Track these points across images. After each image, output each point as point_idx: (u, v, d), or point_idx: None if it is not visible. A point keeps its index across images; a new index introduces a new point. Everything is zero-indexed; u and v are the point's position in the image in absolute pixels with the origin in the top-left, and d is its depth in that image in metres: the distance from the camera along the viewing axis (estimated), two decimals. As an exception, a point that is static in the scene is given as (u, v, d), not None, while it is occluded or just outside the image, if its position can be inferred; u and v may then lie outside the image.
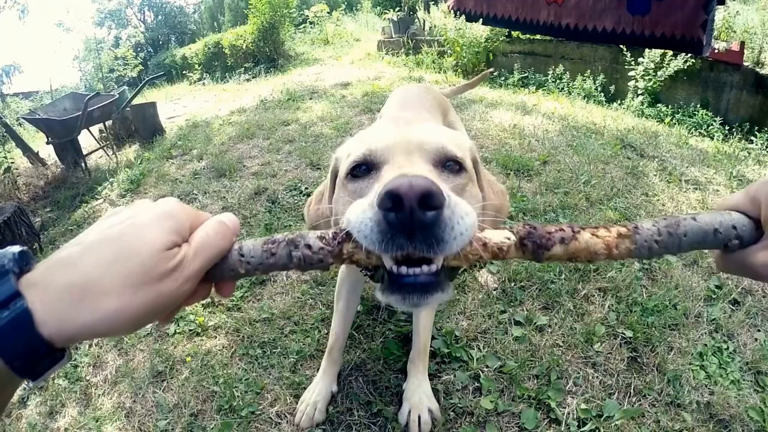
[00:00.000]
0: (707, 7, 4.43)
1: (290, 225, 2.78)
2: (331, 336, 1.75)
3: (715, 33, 5.65)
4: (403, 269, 0.71)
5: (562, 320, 1.98)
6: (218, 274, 0.62)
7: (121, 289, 0.50)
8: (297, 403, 1.73)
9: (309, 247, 0.64)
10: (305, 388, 1.77)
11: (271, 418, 1.70)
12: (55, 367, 0.50)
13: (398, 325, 2.01)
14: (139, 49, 15.94)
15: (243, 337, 2.05)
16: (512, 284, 2.16)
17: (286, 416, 1.71)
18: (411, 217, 0.64)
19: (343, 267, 1.69)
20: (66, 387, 2.03)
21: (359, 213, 0.69)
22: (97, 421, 1.83)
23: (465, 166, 0.99)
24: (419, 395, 1.62)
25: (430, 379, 1.69)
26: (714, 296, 2.18)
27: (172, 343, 2.12)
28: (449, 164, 0.96)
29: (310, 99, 5.65)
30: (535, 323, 1.96)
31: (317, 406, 1.67)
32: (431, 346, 1.80)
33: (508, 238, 0.66)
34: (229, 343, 2.05)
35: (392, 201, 0.64)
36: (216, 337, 2.10)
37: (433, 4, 9.52)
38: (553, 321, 1.98)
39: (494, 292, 2.13)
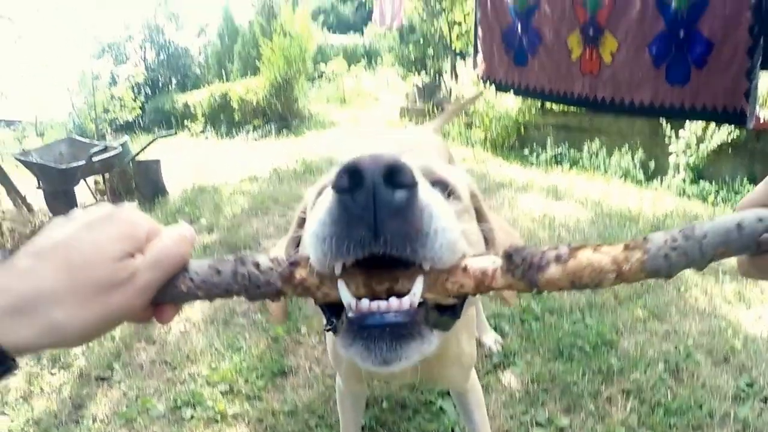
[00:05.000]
0: (750, 74, 4.60)
1: (310, 314, 3.14)
2: None
3: (760, 100, 5.80)
4: (365, 303, 0.63)
5: (583, 422, 2.28)
6: (161, 292, 0.65)
7: (71, 299, 0.56)
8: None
9: (257, 265, 0.65)
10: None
11: None
12: (7, 375, 0.56)
13: (426, 418, 2.31)
14: (136, 90, 16.15)
15: (266, 427, 2.37)
16: (535, 385, 2.48)
17: None
18: (374, 197, 0.58)
19: (338, 380, 1.76)
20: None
21: (315, 213, 0.66)
22: None
23: (459, 195, 0.95)
24: None
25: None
26: (744, 394, 2.40)
27: (188, 428, 2.41)
28: (437, 187, 0.88)
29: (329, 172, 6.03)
30: (556, 425, 2.27)
31: None
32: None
33: (494, 262, 0.64)
34: (251, 433, 2.37)
35: (350, 177, 0.58)
36: (235, 426, 2.41)
37: (461, 59, 10.13)
38: (575, 422, 2.28)
39: (517, 393, 2.45)
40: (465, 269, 0.64)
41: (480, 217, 1.04)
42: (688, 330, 2.87)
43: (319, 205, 0.67)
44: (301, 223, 1.06)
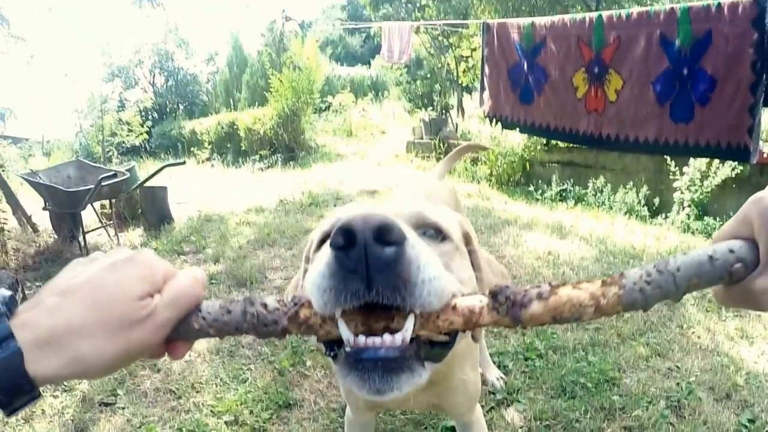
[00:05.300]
0: (753, 110, 4.69)
1: (315, 348, 3.17)
2: None
3: (764, 135, 5.89)
4: (361, 339, 0.70)
5: (585, 460, 2.33)
6: (175, 329, 0.70)
7: (98, 333, 0.61)
8: None
9: (265, 306, 0.70)
10: None
11: None
12: (31, 403, 0.61)
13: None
14: (144, 114, 16.24)
15: (270, 458, 2.42)
16: (537, 422, 2.52)
17: None
18: (366, 254, 0.66)
19: (348, 410, 1.83)
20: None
21: (316, 265, 0.74)
22: None
23: (450, 236, 1.02)
24: None
25: None
26: (745, 430, 2.45)
27: (193, 460, 2.48)
28: (429, 232, 0.99)
29: (335, 206, 6.18)
30: (558, 462, 2.31)
31: None
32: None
33: (481, 300, 0.70)
34: (255, 465, 2.41)
35: (344, 237, 0.66)
36: (240, 457, 2.47)
37: (467, 93, 10.25)
38: (577, 460, 2.33)
39: (520, 430, 2.48)
40: (454, 308, 0.70)
41: (472, 255, 1.12)
42: (690, 367, 2.91)
43: (318, 259, 0.76)
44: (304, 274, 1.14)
